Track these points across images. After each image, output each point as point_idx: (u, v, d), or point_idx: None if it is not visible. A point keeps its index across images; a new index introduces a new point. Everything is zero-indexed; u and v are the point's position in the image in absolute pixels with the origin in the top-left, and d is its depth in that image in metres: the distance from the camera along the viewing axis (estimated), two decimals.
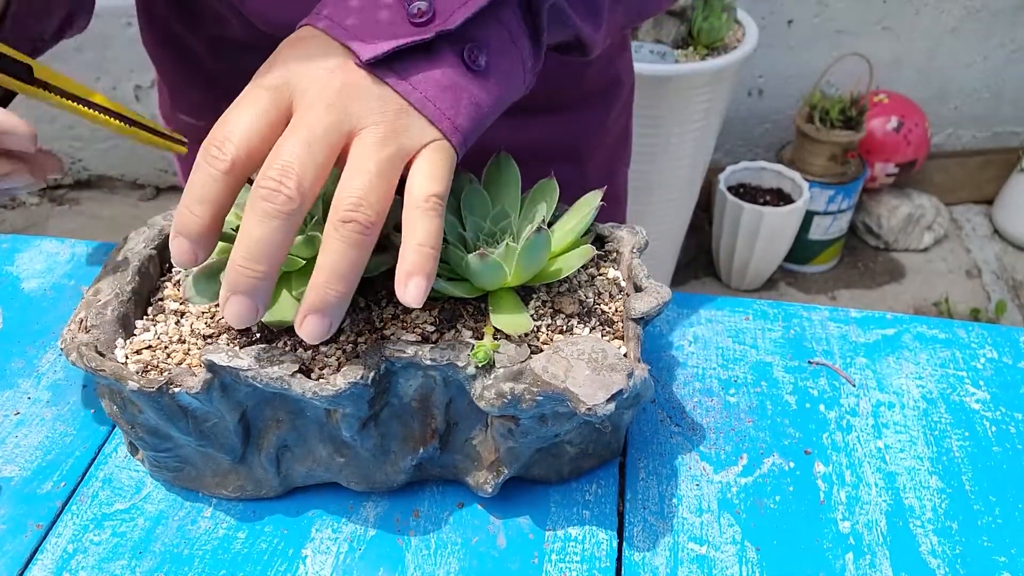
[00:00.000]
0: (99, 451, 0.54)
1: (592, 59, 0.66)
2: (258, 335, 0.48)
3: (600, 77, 0.72)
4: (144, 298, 0.50)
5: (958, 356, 0.61)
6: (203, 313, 0.49)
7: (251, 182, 0.41)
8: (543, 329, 0.48)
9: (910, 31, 2.03)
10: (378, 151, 0.40)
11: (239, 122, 0.39)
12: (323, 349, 0.46)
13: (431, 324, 0.48)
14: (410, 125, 0.41)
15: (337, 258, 0.39)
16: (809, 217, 1.99)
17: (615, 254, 0.54)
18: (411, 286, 0.39)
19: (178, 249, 0.40)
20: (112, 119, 0.53)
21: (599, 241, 0.55)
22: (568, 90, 0.70)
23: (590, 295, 0.51)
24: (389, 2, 0.42)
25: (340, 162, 0.41)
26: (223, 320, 0.49)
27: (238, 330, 0.48)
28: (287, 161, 0.38)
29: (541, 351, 0.46)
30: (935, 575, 0.47)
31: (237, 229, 0.39)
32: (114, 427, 0.55)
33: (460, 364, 0.44)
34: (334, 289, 0.39)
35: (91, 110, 0.52)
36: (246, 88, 0.41)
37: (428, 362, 0.44)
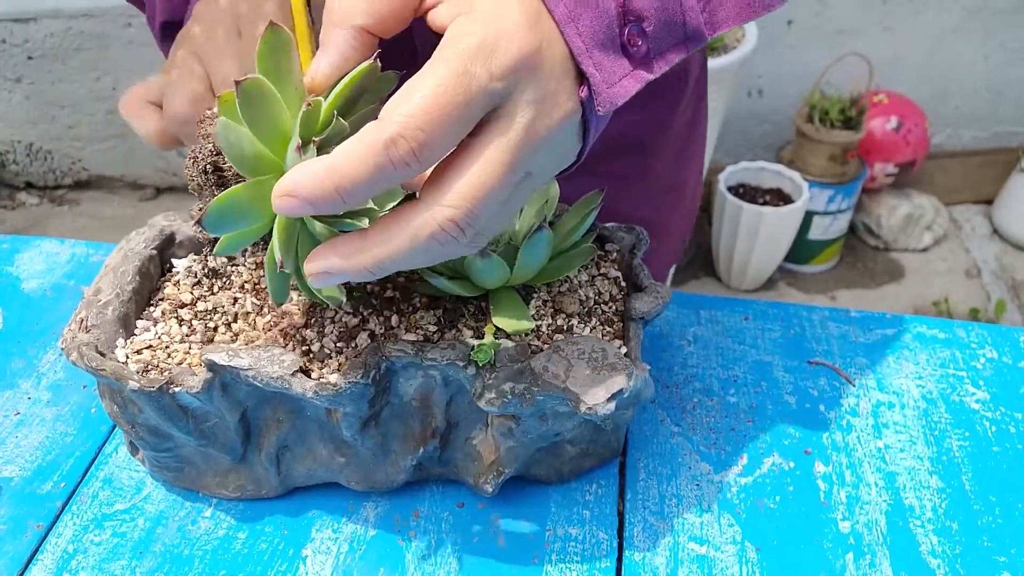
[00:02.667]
0: (99, 451, 0.54)
1: None
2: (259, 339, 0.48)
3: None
4: (144, 298, 0.50)
5: (958, 356, 0.61)
6: (203, 312, 0.49)
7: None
8: (544, 328, 0.48)
9: (910, 31, 2.03)
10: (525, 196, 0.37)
11: (444, 126, 0.32)
12: (324, 348, 0.46)
13: (432, 324, 0.48)
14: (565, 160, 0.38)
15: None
16: (809, 217, 1.99)
17: (615, 254, 0.54)
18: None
19: (292, 209, 0.34)
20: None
21: (600, 241, 0.55)
22: None
23: (590, 295, 0.51)
24: (612, 14, 0.36)
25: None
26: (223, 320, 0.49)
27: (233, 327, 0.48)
28: (475, 212, 0.34)
29: (542, 350, 0.46)
30: (935, 575, 0.47)
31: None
32: (114, 427, 0.55)
33: (461, 364, 0.44)
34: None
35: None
36: (460, 59, 0.32)
37: (428, 362, 0.44)
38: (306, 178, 0.33)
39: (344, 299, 0.43)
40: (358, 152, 0.32)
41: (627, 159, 0.69)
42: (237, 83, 0.35)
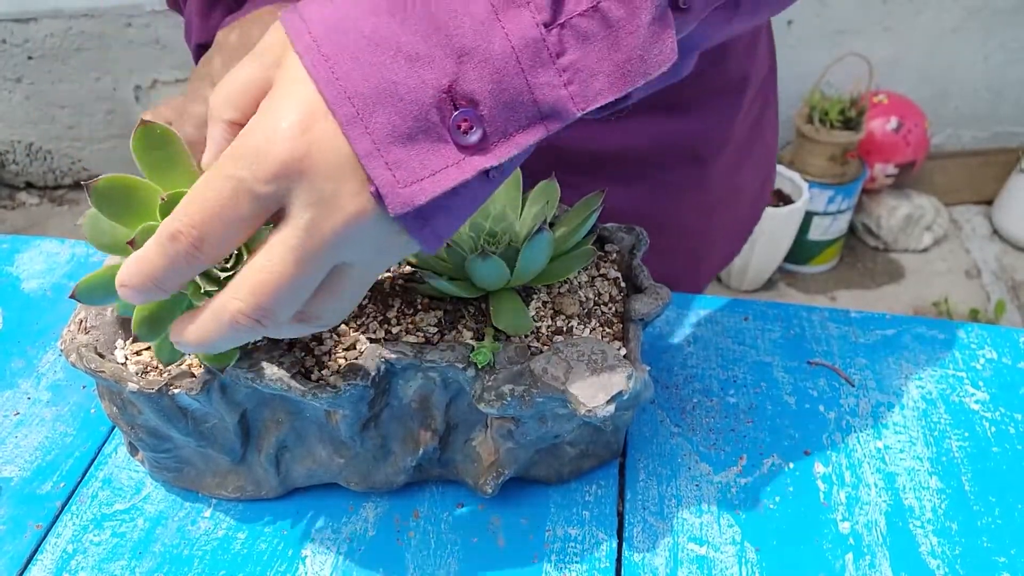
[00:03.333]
0: (99, 451, 0.54)
1: (712, 59, 0.58)
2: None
3: (721, 77, 0.66)
4: None
5: (957, 357, 0.61)
6: None
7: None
8: (543, 330, 0.48)
9: (910, 31, 2.03)
10: (360, 292, 0.37)
11: (217, 225, 0.33)
12: (323, 350, 0.46)
13: (432, 325, 0.48)
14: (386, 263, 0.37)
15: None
16: (809, 218, 1.99)
17: (615, 254, 0.54)
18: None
19: (128, 297, 0.36)
20: None
21: (600, 242, 0.55)
22: (683, 91, 0.60)
23: (590, 296, 0.51)
24: (427, 102, 0.32)
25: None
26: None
27: None
28: (263, 305, 0.34)
29: (541, 352, 0.46)
30: (935, 575, 0.47)
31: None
32: (114, 427, 0.55)
33: (460, 365, 0.44)
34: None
35: None
36: (230, 162, 0.33)
37: (428, 363, 0.44)
38: (128, 270, 0.35)
39: (231, 363, 0.44)
40: (154, 245, 0.34)
41: (680, 168, 0.67)
42: (86, 185, 0.38)
